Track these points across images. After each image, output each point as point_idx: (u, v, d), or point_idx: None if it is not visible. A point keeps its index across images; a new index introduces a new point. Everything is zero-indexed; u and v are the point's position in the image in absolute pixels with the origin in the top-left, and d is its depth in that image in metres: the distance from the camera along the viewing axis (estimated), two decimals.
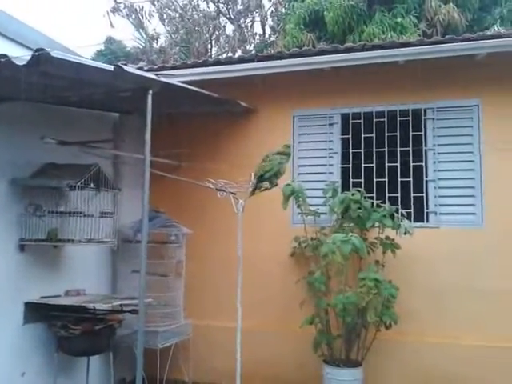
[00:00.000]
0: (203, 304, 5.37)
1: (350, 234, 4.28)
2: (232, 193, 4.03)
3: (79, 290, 4.58)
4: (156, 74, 4.05)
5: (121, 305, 4.46)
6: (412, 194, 5.08)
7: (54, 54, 2.83)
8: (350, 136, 5.35)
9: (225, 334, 4.77)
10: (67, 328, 4.10)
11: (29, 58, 2.80)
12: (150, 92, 3.80)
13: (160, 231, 5.11)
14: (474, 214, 4.87)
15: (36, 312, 4.19)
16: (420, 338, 4.79)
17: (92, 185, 4.34)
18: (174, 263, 5.12)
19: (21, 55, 2.86)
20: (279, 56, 5.36)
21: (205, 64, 5.57)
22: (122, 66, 3.43)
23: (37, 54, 2.78)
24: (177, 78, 5.08)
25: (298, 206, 4.88)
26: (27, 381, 4.16)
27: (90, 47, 14.60)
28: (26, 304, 4.17)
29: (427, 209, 5.02)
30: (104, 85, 3.93)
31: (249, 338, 4.91)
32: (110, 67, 3.37)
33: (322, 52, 5.23)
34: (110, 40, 14.88)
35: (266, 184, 3.96)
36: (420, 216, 5.03)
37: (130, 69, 3.56)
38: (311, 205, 5.09)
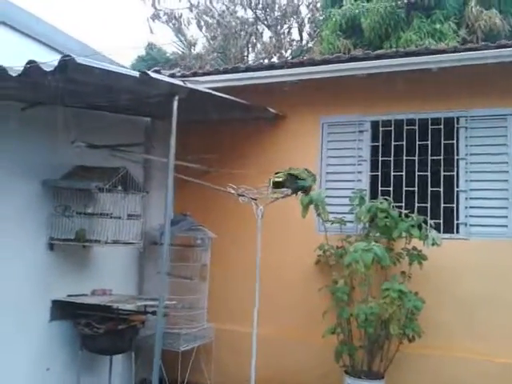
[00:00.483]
0: (227, 308, 5.39)
1: (373, 243, 4.20)
2: (253, 198, 4.04)
3: (105, 290, 4.69)
4: (183, 81, 4.12)
5: (145, 306, 4.55)
6: (442, 205, 4.94)
7: (80, 60, 2.93)
8: (380, 144, 5.27)
9: (247, 339, 4.75)
10: (91, 326, 4.21)
11: (56, 64, 2.90)
12: (176, 98, 3.87)
13: (186, 234, 5.18)
14: (505, 226, 4.69)
15: (62, 310, 4.33)
16: (447, 353, 4.64)
17: (120, 187, 4.46)
18: (199, 266, 5.18)
19: (49, 61, 2.97)
20: (309, 63, 5.33)
21: (236, 70, 5.61)
22: (148, 72, 3.50)
23: (63, 60, 2.88)
24: (206, 84, 5.16)
25: (318, 215, 4.83)
26: (52, 376, 4.29)
27: (132, 53, 14.99)
28: (54, 302, 4.31)
29: (457, 220, 4.87)
30: (132, 91, 4.03)
31: (270, 345, 4.93)
32: (136, 73, 3.45)
33: (353, 59, 5.17)
34: (150, 46, 15.20)
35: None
36: (450, 227, 4.89)
37: (156, 75, 3.64)
38: (339, 213, 5.05)
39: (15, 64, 3.10)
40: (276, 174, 4.13)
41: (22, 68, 2.99)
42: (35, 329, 4.20)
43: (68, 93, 3.85)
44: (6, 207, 4.03)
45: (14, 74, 3.02)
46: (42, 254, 4.27)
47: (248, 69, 5.59)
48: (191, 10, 13.14)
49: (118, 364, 4.79)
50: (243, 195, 3.97)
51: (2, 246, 3.98)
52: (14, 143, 4.08)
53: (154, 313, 4.44)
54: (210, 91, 4.31)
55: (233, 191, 4.01)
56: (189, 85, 4.02)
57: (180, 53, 13.82)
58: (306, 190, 4.33)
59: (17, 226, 4.11)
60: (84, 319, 4.29)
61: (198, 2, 13.25)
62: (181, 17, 13.09)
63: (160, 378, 4.29)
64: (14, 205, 4.10)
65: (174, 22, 13.21)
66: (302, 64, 5.33)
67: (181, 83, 3.91)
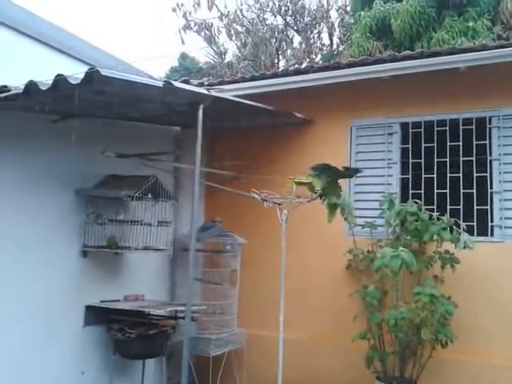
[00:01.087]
0: (257, 313, 5.40)
1: (400, 248, 4.13)
2: (277, 203, 4.06)
3: (138, 295, 4.80)
4: (208, 89, 4.19)
5: (175, 311, 4.62)
6: (475, 207, 4.82)
7: (105, 72, 3.03)
8: (410, 146, 5.20)
9: (278, 343, 4.76)
10: (123, 331, 4.31)
11: (82, 76, 3.01)
12: (201, 106, 3.94)
13: (216, 240, 5.23)
14: None
15: (96, 315, 4.45)
16: (485, 360, 4.49)
17: (149, 195, 4.56)
18: (229, 272, 5.22)
19: (74, 73, 3.08)
20: (336, 66, 5.31)
21: (262, 77, 5.66)
22: (171, 81, 3.58)
23: (89, 72, 2.99)
24: (233, 92, 5.23)
25: (345, 219, 4.78)
26: (86, 380, 4.42)
27: (165, 64, 15.31)
28: (87, 307, 4.44)
29: (491, 222, 4.73)
30: (158, 100, 4.13)
31: (300, 349, 4.91)
32: (160, 83, 3.53)
33: (380, 61, 5.13)
34: (183, 56, 15.49)
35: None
36: (484, 229, 4.75)
37: (179, 84, 3.71)
38: (369, 217, 4.99)
39: (47, 78, 3.24)
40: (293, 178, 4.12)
41: (51, 82, 3.11)
42: (70, 334, 4.34)
43: (97, 104, 3.99)
44: (41, 217, 4.19)
45: (43, 88, 3.15)
46: (75, 261, 4.41)
47: (275, 75, 5.63)
48: (221, 20, 13.32)
49: (151, 368, 4.88)
50: (266, 200, 3.99)
51: (38, 255, 4.13)
52: (48, 155, 4.24)
53: (184, 318, 4.50)
54: (234, 98, 4.36)
55: (256, 196, 4.03)
56: (213, 93, 4.08)
57: (212, 62, 14.02)
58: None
59: (52, 234, 4.27)
60: (116, 324, 4.40)
61: (228, 12, 13.44)
62: (211, 26, 13.28)
63: (191, 383, 4.35)
64: (49, 214, 4.25)
65: (205, 31, 13.41)
66: (327, 68, 5.32)
67: (205, 91, 3.97)
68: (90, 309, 4.45)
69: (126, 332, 4.32)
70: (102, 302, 4.52)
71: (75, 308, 4.38)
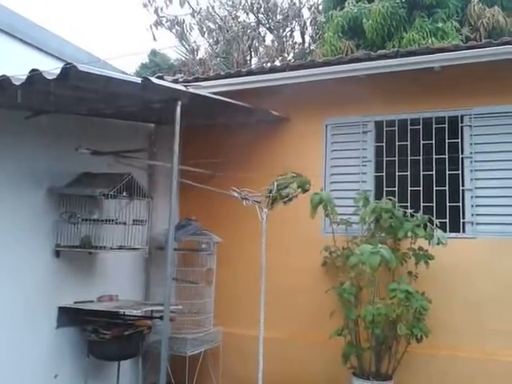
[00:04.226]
0: (234, 312, 5.39)
1: (379, 245, 4.18)
2: (257, 201, 4.05)
3: (112, 296, 4.71)
4: (185, 86, 4.14)
5: (151, 311, 4.56)
6: (448, 204, 4.92)
7: (82, 68, 2.95)
8: (384, 144, 5.27)
9: (254, 342, 4.74)
10: (98, 332, 4.22)
11: (58, 72, 2.92)
12: (179, 103, 3.89)
13: (191, 239, 5.18)
14: None
15: (69, 316, 4.35)
16: (455, 353, 4.61)
17: (124, 193, 4.48)
18: (205, 271, 5.18)
19: (50, 69, 2.99)
20: (311, 65, 5.34)
21: (238, 74, 5.63)
22: (150, 78, 3.52)
23: (65, 67, 2.90)
24: (210, 89, 5.18)
25: (327, 216, 4.83)
26: (60, 383, 4.30)
27: (135, 60, 15.05)
28: (60, 308, 4.33)
29: (463, 219, 4.85)
30: (135, 97, 4.06)
31: (277, 347, 4.91)
32: (138, 80, 3.47)
33: (355, 60, 5.17)
34: (153, 52, 15.26)
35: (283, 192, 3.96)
36: (456, 226, 4.86)
37: (158, 80, 3.65)
38: (344, 214, 5.04)
39: (20, 73, 3.14)
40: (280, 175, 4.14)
41: (26, 77, 3.01)
42: (42, 336, 4.22)
43: (72, 101, 3.89)
44: (12, 216, 4.05)
45: (17, 83, 3.05)
46: (47, 261, 4.29)
47: (250, 72, 5.61)
48: (193, 16, 13.20)
49: (126, 369, 4.80)
50: (247, 198, 3.97)
51: (9, 254, 4.00)
52: (19, 152, 4.11)
53: (160, 318, 4.45)
54: (212, 95, 4.33)
55: (236, 194, 4.01)
56: (191, 90, 4.04)
57: (183, 59, 13.86)
58: (290, 198, 4.32)
59: (23, 233, 4.14)
60: (91, 325, 4.31)
61: (201, 8, 13.32)
62: (183, 23, 13.14)
63: (168, 383, 4.30)
64: (20, 213, 4.12)
65: (176, 28, 13.26)
66: (303, 66, 5.33)
67: (183, 88, 3.93)
68: (63, 310, 4.33)
69: (100, 333, 4.23)
70: (76, 302, 4.41)
71: (48, 309, 4.26)
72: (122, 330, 4.30)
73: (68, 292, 4.41)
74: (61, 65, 3.05)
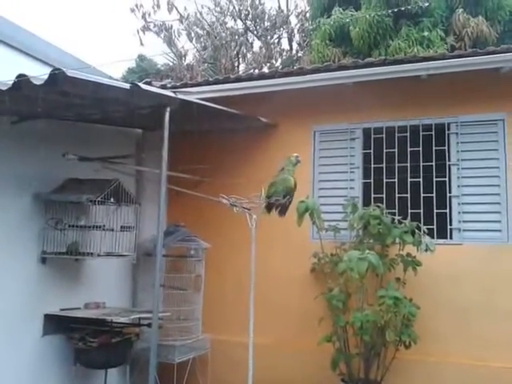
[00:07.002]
0: (222, 319, 5.36)
1: (367, 251, 4.20)
2: (246, 208, 4.04)
3: (99, 303, 4.65)
4: (174, 92, 4.13)
5: (139, 318, 4.51)
6: (435, 210, 4.96)
7: (70, 73, 2.92)
8: (372, 151, 5.30)
9: (243, 349, 4.72)
10: (85, 340, 4.17)
11: (46, 77, 2.89)
12: (168, 109, 3.87)
13: (179, 245, 5.15)
14: (499, 230, 4.71)
15: (55, 324, 4.28)
16: (443, 359, 4.64)
17: (112, 199, 4.43)
18: (193, 277, 5.15)
19: (39, 74, 2.96)
20: (299, 72, 5.36)
21: (226, 81, 5.62)
22: (138, 83, 3.50)
23: (53, 73, 2.87)
24: (198, 95, 5.18)
25: (313, 223, 4.83)
26: None
27: (122, 65, 14.99)
28: (46, 316, 4.26)
29: (450, 225, 4.89)
30: (124, 102, 4.02)
31: (266, 355, 4.89)
32: (127, 85, 3.45)
33: (343, 67, 5.20)
34: (141, 58, 15.22)
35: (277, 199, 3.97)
36: (443, 232, 4.90)
37: (147, 86, 3.63)
38: (332, 220, 5.05)
39: (7, 78, 3.10)
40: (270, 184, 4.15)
41: (12, 82, 2.97)
42: (28, 344, 4.14)
43: (59, 106, 3.85)
44: None
45: (3, 88, 3.01)
46: (33, 268, 4.22)
47: (238, 79, 5.61)
48: (181, 22, 13.20)
49: (114, 378, 4.73)
50: (236, 205, 3.96)
51: None
52: (5, 157, 4.05)
53: (148, 325, 4.40)
54: (202, 102, 4.32)
55: (225, 201, 3.99)
56: (180, 96, 4.03)
57: (171, 64, 13.85)
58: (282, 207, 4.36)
59: (8, 240, 4.07)
60: (77, 333, 4.25)
61: (188, 14, 13.33)
62: (171, 28, 13.15)
63: None
64: (6, 219, 4.06)
65: (164, 33, 13.25)
66: (291, 73, 5.35)
67: (172, 94, 3.91)
68: (49, 317, 4.26)
69: (87, 341, 4.18)
70: (62, 310, 4.35)
71: (33, 317, 4.19)
72: (109, 337, 4.25)
73: (54, 299, 4.34)
74: (48, 69, 3.02)
